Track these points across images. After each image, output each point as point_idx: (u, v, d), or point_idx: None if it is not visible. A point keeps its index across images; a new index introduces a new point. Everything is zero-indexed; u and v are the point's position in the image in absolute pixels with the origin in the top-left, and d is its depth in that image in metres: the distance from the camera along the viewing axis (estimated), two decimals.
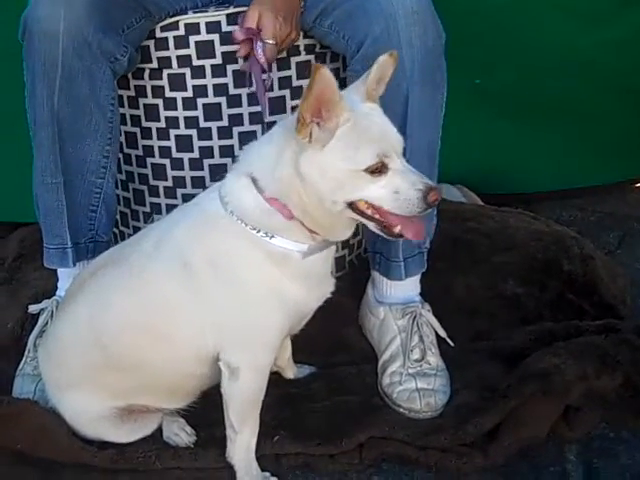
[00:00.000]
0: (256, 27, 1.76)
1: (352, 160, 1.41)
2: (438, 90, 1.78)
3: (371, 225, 1.49)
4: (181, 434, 1.74)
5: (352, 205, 1.45)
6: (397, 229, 1.47)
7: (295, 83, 2.01)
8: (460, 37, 2.48)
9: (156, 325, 1.59)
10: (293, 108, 1.99)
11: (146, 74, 2.00)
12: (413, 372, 1.83)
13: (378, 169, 1.41)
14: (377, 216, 1.46)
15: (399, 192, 1.42)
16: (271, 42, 1.77)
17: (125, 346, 1.61)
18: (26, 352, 1.91)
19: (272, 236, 1.49)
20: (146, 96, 2.02)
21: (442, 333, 1.91)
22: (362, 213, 1.46)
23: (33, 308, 1.99)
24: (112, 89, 1.85)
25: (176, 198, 2.08)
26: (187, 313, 1.56)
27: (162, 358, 1.60)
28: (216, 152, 2.03)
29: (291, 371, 1.91)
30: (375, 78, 1.47)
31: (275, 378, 1.81)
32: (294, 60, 1.99)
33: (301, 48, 1.99)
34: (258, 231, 1.49)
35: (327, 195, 1.44)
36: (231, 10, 1.93)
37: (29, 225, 2.42)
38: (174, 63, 1.97)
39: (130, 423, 1.71)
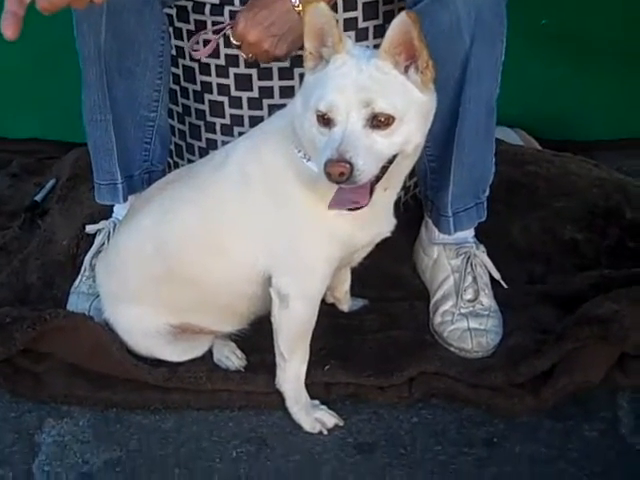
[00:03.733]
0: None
1: (311, 97, 1.39)
2: (497, 40, 1.68)
3: None
4: (232, 357, 1.76)
5: None
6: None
7: (361, 25, 1.95)
8: None
9: (215, 239, 1.60)
10: None
11: (207, 9, 1.95)
12: (465, 312, 1.82)
13: (323, 120, 1.36)
14: None
15: (322, 137, 1.38)
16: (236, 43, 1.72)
17: (184, 258, 1.63)
18: (82, 271, 1.94)
19: (309, 159, 1.47)
20: (206, 31, 1.96)
21: (496, 275, 1.89)
22: None
23: (90, 228, 2.02)
24: (161, 22, 1.81)
25: (233, 136, 2.04)
26: (242, 228, 1.58)
27: (218, 274, 1.62)
28: (276, 92, 1.99)
29: (346, 304, 1.91)
30: (393, 41, 1.36)
31: (327, 309, 1.82)
32: (361, 1, 1.93)
33: None
34: (299, 151, 1.48)
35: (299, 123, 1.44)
36: None
37: (83, 145, 2.41)
38: None
39: (182, 342, 1.73)
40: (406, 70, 1.38)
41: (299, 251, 1.56)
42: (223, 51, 1.96)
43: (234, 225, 1.58)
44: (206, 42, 1.86)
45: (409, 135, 1.39)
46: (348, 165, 1.30)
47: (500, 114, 1.83)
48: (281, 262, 1.57)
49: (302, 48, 1.47)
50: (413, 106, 1.39)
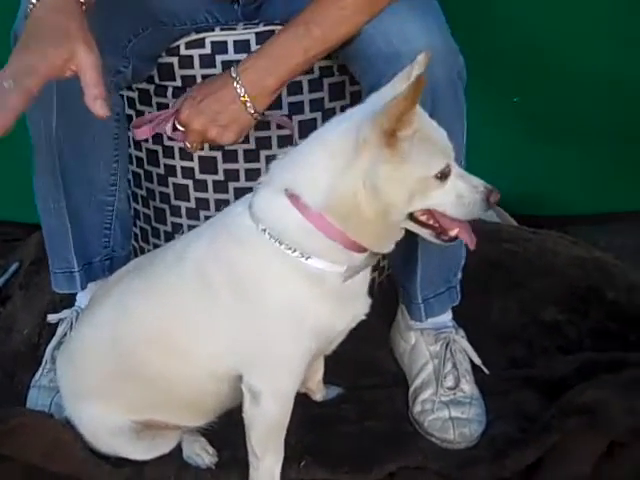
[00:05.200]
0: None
1: (426, 166, 1.35)
2: (457, 122, 1.65)
3: (426, 232, 1.43)
4: (202, 454, 1.66)
5: (411, 214, 1.39)
6: (454, 232, 1.42)
7: (327, 105, 1.91)
8: (498, 54, 2.46)
9: (170, 338, 1.51)
10: None
11: (169, 92, 1.90)
12: (446, 400, 1.75)
13: (445, 174, 1.36)
14: (431, 222, 1.41)
15: (463, 196, 1.38)
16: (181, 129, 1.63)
17: (140, 356, 1.54)
18: (43, 363, 1.85)
19: (308, 257, 1.40)
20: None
21: (477, 360, 1.83)
22: (418, 221, 1.41)
23: (52, 317, 1.93)
24: (116, 104, 1.74)
25: (199, 219, 1.99)
26: (203, 330, 1.48)
27: (176, 372, 1.52)
28: (242, 175, 1.94)
29: (320, 393, 1.83)
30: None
31: (301, 398, 1.71)
32: (327, 81, 1.89)
33: (334, 69, 1.89)
34: (294, 251, 1.40)
35: (400, 206, 1.37)
36: (261, 28, 1.83)
37: None
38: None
39: (148, 439, 1.63)
40: None
41: (271, 348, 1.47)
42: None
43: (194, 328, 1.49)
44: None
45: None
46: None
47: None
48: (251, 361, 1.48)
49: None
50: None
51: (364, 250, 1.43)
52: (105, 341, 1.57)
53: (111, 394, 1.59)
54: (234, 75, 1.58)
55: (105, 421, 1.61)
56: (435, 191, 1.37)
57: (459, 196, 1.38)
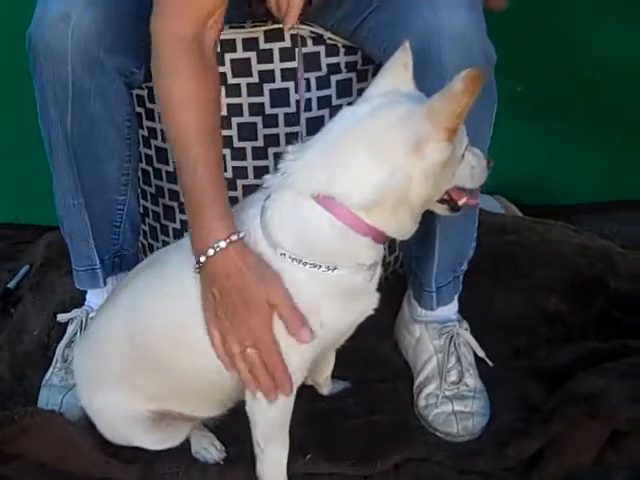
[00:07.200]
0: None
1: (462, 144, 1.41)
2: (487, 111, 1.66)
3: (442, 208, 1.49)
4: (210, 449, 1.69)
5: None
6: (462, 201, 1.48)
7: (335, 102, 1.91)
8: (502, 43, 2.44)
9: (178, 332, 1.53)
10: None
11: None
12: (450, 395, 1.76)
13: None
14: (446, 196, 1.46)
15: (474, 167, 1.44)
16: None
17: (152, 348, 1.56)
18: (53, 362, 1.87)
19: (335, 268, 1.38)
20: None
21: (481, 353, 1.84)
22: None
23: (62, 317, 1.95)
24: (127, 104, 1.76)
25: None
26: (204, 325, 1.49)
27: (185, 365, 1.55)
28: (250, 173, 1.96)
29: (327, 388, 1.84)
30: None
31: (307, 392, 1.74)
32: (334, 78, 1.90)
33: (342, 66, 1.90)
34: (319, 267, 1.38)
35: (445, 188, 1.44)
36: (269, 27, 1.84)
37: (56, 229, 2.37)
38: None
39: (161, 430, 1.65)
40: None
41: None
42: None
43: (197, 323, 1.49)
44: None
45: None
46: None
47: None
48: None
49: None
50: None
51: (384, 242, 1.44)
52: (121, 334, 1.60)
53: (129, 384, 1.61)
54: None
55: (123, 410, 1.63)
56: (458, 166, 1.42)
57: (473, 167, 1.44)
